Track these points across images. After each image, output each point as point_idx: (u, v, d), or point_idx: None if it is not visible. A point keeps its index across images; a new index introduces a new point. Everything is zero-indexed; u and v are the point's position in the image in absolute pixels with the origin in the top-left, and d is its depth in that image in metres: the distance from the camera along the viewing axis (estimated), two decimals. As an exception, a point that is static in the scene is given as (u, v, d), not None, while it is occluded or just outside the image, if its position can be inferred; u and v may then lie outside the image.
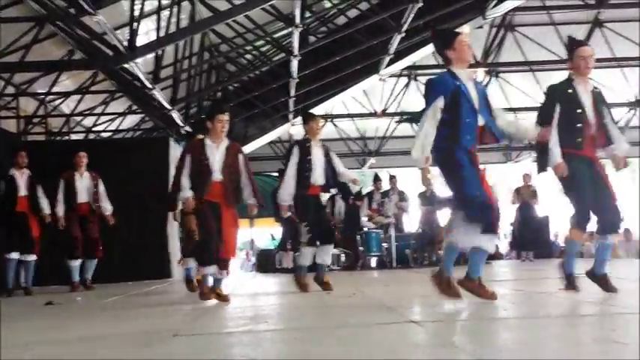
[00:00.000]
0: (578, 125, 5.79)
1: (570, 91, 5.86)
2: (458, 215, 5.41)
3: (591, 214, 5.83)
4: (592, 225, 5.96)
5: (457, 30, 5.92)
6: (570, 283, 5.94)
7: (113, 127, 16.85)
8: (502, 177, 40.18)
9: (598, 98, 5.95)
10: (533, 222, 15.02)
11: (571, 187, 5.86)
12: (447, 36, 5.64)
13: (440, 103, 5.33)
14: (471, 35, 16.97)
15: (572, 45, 6.06)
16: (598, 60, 19.72)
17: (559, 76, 6.42)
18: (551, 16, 17.31)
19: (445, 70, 5.56)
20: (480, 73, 18.70)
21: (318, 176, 7.99)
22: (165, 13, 11.75)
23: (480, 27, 16.36)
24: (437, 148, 5.35)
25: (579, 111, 5.81)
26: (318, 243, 8.03)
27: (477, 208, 5.24)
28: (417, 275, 11.09)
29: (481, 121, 5.41)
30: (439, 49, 5.63)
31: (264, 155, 19.43)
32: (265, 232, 20.98)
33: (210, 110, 7.39)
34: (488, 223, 5.23)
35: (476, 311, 5.12)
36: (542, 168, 5.91)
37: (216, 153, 6.93)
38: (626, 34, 17.66)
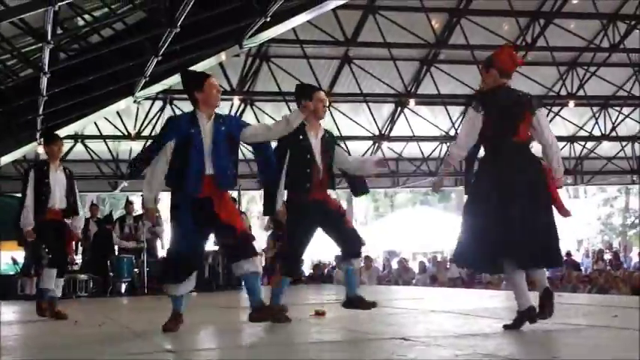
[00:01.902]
0: (307, 171, 5.98)
1: (301, 136, 6.00)
2: None
3: (301, 262, 6.25)
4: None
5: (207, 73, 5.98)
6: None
7: None
8: (254, 203, 40.86)
9: (329, 144, 6.16)
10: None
11: (291, 235, 6.10)
12: (197, 77, 5.71)
13: (171, 144, 5.43)
14: (228, 63, 17.24)
15: (309, 90, 6.26)
16: (347, 94, 20.74)
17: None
18: (304, 50, 17.99)
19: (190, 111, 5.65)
20: (236, 101, 18.99)
21: (57, 200, 7.70)
22: None
23: (237, 55, 16.60)
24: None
25: (308, 157, 6.00)
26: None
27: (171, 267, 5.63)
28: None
29: (210, 170, 5.44)
30: (188, 90, 5.64)
31: (6, 174, 18.31)
32: (6, 256, 19.68)
33: None
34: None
35: (231, 339, 5.13)
36: (268, 211, 6.09)
37: None
38: (371, 72, 18.79)
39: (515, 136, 5.01)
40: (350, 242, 6.10)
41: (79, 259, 14.55)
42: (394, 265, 21.48)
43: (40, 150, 17.14)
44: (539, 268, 5.02)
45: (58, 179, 7.72)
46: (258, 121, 19.27)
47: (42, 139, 8.53)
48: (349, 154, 7.16)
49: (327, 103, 6.31)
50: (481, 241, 4.94)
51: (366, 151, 20.54)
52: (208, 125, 5.49)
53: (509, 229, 4.86)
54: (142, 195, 5.57)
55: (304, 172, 5.98)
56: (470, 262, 5.36)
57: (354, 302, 6.16)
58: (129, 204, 15.24)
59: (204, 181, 5.39)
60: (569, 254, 22.63)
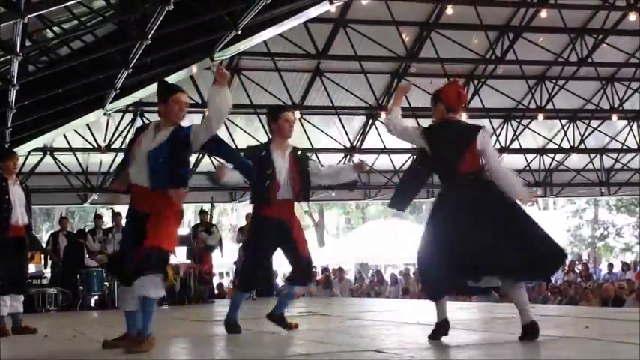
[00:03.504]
0: (266, 185, 6.11)
1: (264, 153, 6.19)
2: None
3: (257, 274, 6.28)
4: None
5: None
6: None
7: None
8: (226, 215, 40.70)
9: (300, 162, 6.30)
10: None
11: (248, 250, 6.55)
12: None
13: None
14: (199, 76, 17.20)
15: (278, 110, 6.48)
16: (318, 107, 20.69)
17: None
18: (275, 62, 17.99)
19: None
20: (207, 114, 18.90)
21: (19, 216, 7.57)
22: None
23: (208, 68, 16.56)
24: None
25: (269, 171, 6.11)
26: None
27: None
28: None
29: None
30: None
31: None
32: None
33: None
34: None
35: (204, 353, 5.10)
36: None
37: None
38: (343, 84, 18.86)
39: (459, 169, 5.08)
40: (300, 272, 6.30)
41: (48, 272, 14.42)
42: (369, 276, 21.52)
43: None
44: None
45: (17, 194, 7.61)
46: (230, 134, 19.29)
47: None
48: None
49: (294, 123, 6.45)
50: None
51: (337, 164, 20.54)
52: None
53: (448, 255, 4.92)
54: None
55: (264, 186, 6.12)
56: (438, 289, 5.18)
57: (276, 319, 6.37)
58: (98, 217, 15.11)
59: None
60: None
